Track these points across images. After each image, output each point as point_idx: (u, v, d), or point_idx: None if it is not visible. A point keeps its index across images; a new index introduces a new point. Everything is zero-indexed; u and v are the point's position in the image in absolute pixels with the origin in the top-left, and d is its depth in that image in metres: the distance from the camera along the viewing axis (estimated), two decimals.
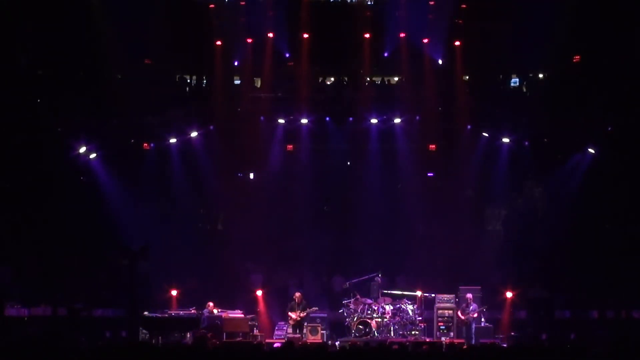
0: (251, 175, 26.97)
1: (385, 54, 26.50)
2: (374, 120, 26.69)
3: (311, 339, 22.82)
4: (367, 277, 24.51)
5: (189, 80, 27.38)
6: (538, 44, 24.97)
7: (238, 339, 22.07)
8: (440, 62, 25.95)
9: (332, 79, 27.58)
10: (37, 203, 24.25)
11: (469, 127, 26.60)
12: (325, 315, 24.25)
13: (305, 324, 23.52)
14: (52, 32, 24.14)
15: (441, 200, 26.05)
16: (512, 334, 22.94)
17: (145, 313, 22.47)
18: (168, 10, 25.21)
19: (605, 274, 23.77)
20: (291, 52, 26.41)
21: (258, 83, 27.45)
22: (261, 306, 24.81)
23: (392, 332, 23.36)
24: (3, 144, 23.99)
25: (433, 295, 24.31)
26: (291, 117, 26.79)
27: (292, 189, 26.59)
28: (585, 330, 22.72)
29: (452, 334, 23.84)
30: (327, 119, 27.01)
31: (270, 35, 26.07)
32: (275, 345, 19.51)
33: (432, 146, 26.65)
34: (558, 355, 14.79)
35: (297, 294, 23.62)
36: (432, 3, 25.86)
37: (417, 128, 26.59)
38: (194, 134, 26.45)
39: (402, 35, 25.95)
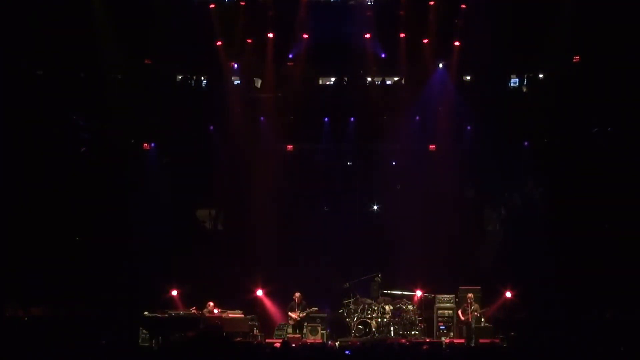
0: (251, 175, 26.93)
1: (383, 55, 26.51)
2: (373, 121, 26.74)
3: (311, 339, 22.84)
4: (367, 277, 24.54)
5: (189, 81, 27.36)
6: (538, 44, 24.99)
7: (238, 339, 22.05)
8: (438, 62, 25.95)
9: (332, 79, 27.57)
10: (37, 203, 24.22)
11: (468, 127, 26.62)
12: (325, 315, 24.26)
13: (305, 324, 23.54)
14: (52, 32, 24.10)
15: (441, 200, 26.04)
16: (512, 334, 22.94)
17: (146, 313, 22.46)
18: (168, 10, 25.20)
19: (605, 274, 23.74)
20: (291, 52, 26.42)
21: (258, 83, 27.46)
22: (261, 306, 24.83)
23: (392, 332, 23.38)
24: (2, 143, 23.97)
25: (433, 295, 24.35)
26: (291, 118, 26.78)
27: (292, 189, 26.59)
28: (585, 331, 22.69)
29: (452, 334, 23.89)
30: (326, 119, 27.02)
31: (270, 35, 26.10)
32: (275, 345, 19.50)
33: (432, 146, 26.68)
34: (557, 355, 14.80)
35: (297, 294, 23.63)
36: (432, 3, 25.84)
37: (417, 128, 26.61)
38: (193, 134, 26.48)
39: (402, 35, 25.98)
